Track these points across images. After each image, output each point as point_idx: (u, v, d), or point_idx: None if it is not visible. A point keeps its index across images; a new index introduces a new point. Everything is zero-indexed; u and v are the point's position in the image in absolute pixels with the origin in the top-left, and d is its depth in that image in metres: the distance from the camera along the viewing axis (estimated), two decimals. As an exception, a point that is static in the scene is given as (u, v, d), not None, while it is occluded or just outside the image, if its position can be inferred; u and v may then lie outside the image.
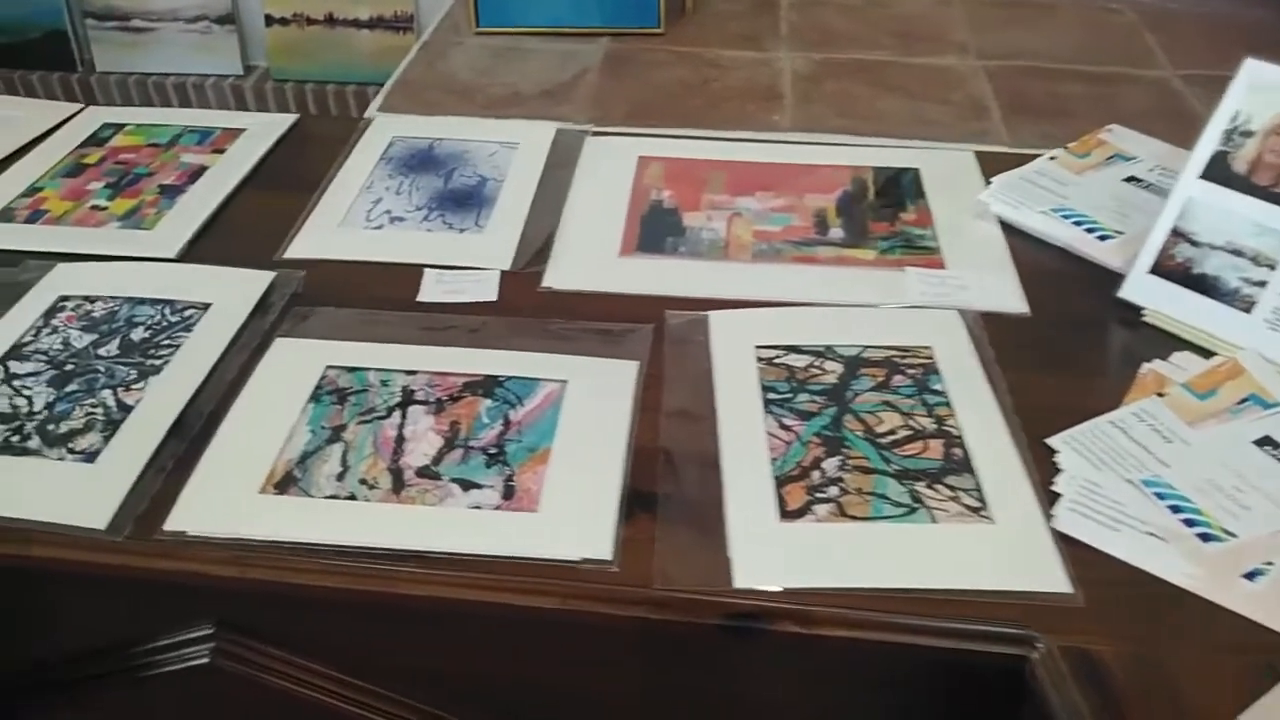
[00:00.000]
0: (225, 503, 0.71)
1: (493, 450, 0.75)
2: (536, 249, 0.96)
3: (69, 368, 0.82)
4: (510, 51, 1.55)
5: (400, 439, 0.76)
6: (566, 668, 0.75)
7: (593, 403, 0.78)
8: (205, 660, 0.77)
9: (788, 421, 0.77)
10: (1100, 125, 1.12)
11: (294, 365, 0.82)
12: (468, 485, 0.72)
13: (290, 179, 1.08)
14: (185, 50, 2.49)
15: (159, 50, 2.49)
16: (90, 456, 0.74)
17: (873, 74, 1.47)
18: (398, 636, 0.75)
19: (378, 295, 0.91)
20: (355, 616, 0.74)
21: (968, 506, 0.71)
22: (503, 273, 0.93)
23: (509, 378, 0.81)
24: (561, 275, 0.93)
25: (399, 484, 0.72)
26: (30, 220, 1.00)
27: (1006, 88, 1.41)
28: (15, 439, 0.76)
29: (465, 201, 1.03)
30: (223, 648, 0.77)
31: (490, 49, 1.56)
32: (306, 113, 2.50)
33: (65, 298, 0.89)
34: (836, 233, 0.99)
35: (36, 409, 0.78)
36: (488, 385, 0.81)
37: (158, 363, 0.82)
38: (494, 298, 0.91)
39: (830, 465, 0.74)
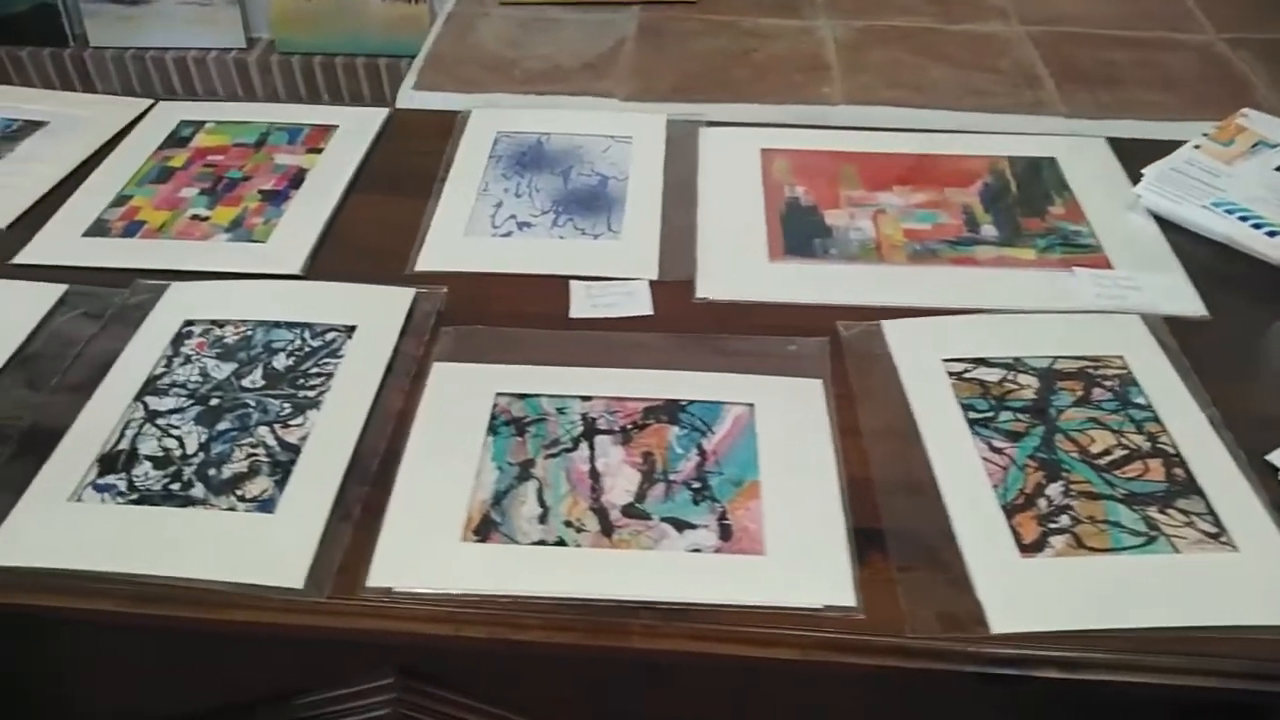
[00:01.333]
0: (427, 554, 0.66)
1: (695, 484, 0.71)
2: (680, 255, 0.91)
3: (214, 402, 0.76)
4: (538, 22, 1.48)
5: (595, 473, 0.71)
6: (793, 718, 0.71)
7: (787, 428, 0.74)
8: (385, 712, 0.73)
9: (998, 443, 0.73)
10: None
11: (461, 394, 0.77)
12: (681, 525, 0.68)
13: (397, 181, 1.01)
14: (184, 23, 2.38)
15: (156, 23, 2.37)
16: (265, 505, 0.69)
17: (916, 41, 1.42)
18: (601, 684, 0.71)
19: (526, 311, 0.85)
20: (550, 663, 0.70)
21: (1205, 533, 0.68)
22: (651, 283, 0.89)
23: (690, 401, 0.76)
24: (714, 284, 0.88)
25: (606, 525, 0.68)
26: (128, 234, 0.93)
27: (1054, 55, 1.37)
28: (176, 486, 0.70)
29: (591, 203, 0.98)
30: (404, 698, 0.73)
31: (517, 20, 1.49)
32: (333, 92, 2.40)
33: (190, 322, 0.83)
34: (989, 230, 0.94)
35: (190, 451, 0.72)
36: (670, 410, 0.76)
37: (311, 393, 0.77)
38: (649, 311, 0.86)
39: (1054, 492, 0.70)
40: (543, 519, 0.68)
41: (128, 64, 2.43)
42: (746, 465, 0.72)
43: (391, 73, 2.45)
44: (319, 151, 1.04)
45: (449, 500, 0.69)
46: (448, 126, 1.09)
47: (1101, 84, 1.31)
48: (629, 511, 0.69)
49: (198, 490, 0.70)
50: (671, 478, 0.71)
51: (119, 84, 2.52)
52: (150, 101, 1.12)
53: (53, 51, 2.39)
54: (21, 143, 1.06)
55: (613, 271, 0.89)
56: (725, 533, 0.67)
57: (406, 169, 1.03)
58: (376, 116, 1.09)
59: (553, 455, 0.72)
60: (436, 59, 1.41)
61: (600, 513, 0.69)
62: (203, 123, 1.08)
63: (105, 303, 0.85)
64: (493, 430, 0.74)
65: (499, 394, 0.77)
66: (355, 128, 1.07)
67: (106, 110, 1.10)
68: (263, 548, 0.66)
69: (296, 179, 1.00)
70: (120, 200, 0.97)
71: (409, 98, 1.31)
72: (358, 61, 2.37)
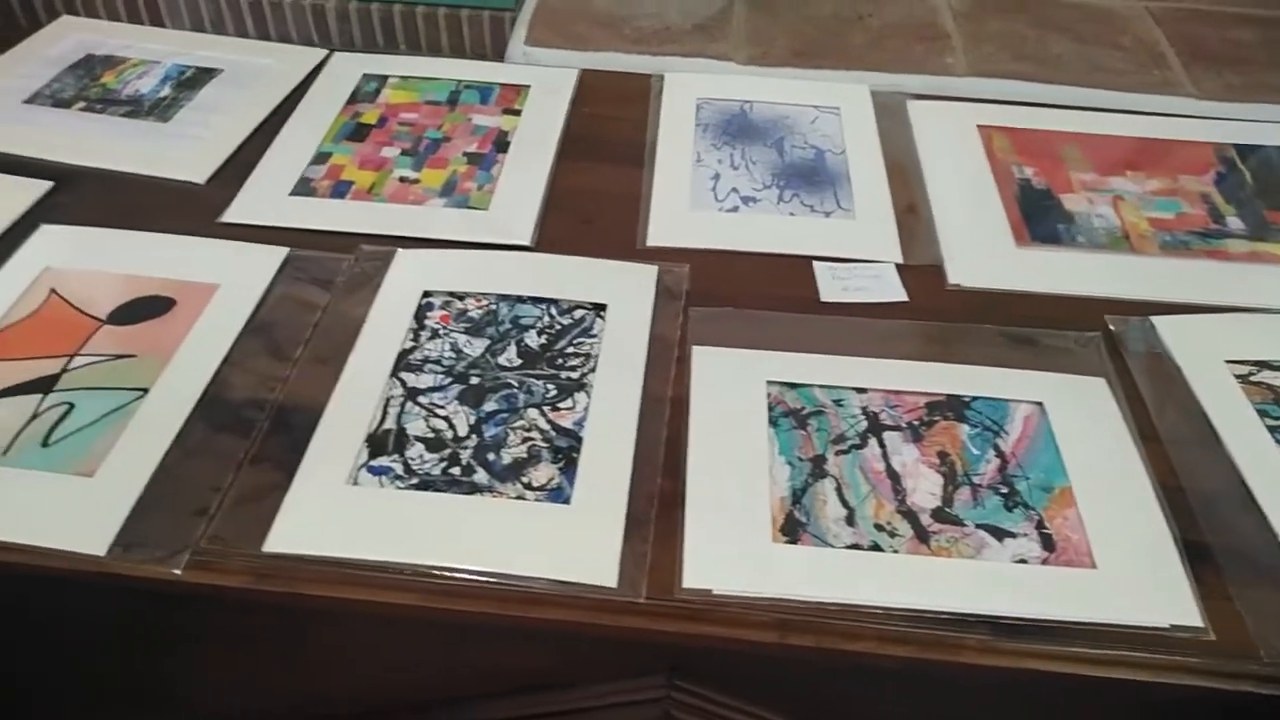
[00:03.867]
0: (741, 555, 0.62)
1: (1003, 489, 0.67)
2: (921, 238, 0.87)
3: (475, 381, 0.72)
4: (646, -22, 1.42)
5: (893, 473, 0.68)
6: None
7: (1084, 430, 0.70)
8: (655, 712, 0.70)
9: (1307, 454, 0.70)
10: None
11: (730, 382, 0.72)
12: (1000, 533, 0.64)
13: (603, 147, 0.96)
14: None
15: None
16: (556, 494, 0.65)
17: (1034, 13, 1.36)
18: (876, 686, 0.68)
19: (772, 293, 0.81)
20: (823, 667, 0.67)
21: None
22: (897, 266, 0.84)
23: (974, 398, 0.73)
24: (965, 270, 0.84)
25: (921, 531, 0.64)
26: (337, 194, 0.88)
27: (1177, 33, 1.31)
28: (456, 471, 0.66)
29: (812, 178, 0.93)
30: (675, 698, 0.70)
31: (624, -26, 1.43)
32: (412, 42, 2.32)
33: (429, 293, 0.79)
34: (1235, 223, 0.90)
35: (462, 433, 0.69)
36: (955, 407, 0.72)
37: (573, 375, 0.73)
38: (903, 297, 0.81)
39: (1378, 507, 0.67)
40: (850, 520, 0.65)
41: (200, 4, 2.35)
42: (1052, 470, 0.68)
43: (473, 25, 2.37)
44: (515, 113, 0.99)
45: (749, 497, 0.65)
46: (641, 90, 1.04)
47: (1229, 64, 1.25)
48: (941, 516, 0.65)
49: (480, 475, 0.66)
50: (975, 480, 0.67)
51: (189, 22, 2.43)
52: (325, 51, 1.07)
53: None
54: (199, 91, 1.00)
55: (854, 253, 0.85)
56: (1047, 542, 0.64)
57: (610, 134, 0.98)
58: (567, 78, 1.04)
59: (843, 452, 0.69)
60: (545, 14, 1.35)
61: (910, 516, 0.65)
62: (386, 77, 1.03)
63: (331, 269, 0.80)
64: (773, 423, 0.70)
65: (769, 382, 0.73)
66: (548, 88, 1.02)
67: (283, 60, 1.05)
68: (566, 542, 0.62)
69: (499, 141, 0.95)
70: (320, 158, 0.92)
71: (521, 53, 1.26)
72: (439, 12, 2.29)
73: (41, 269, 0.79)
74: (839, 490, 0.66)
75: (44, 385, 0.70)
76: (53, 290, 0.78)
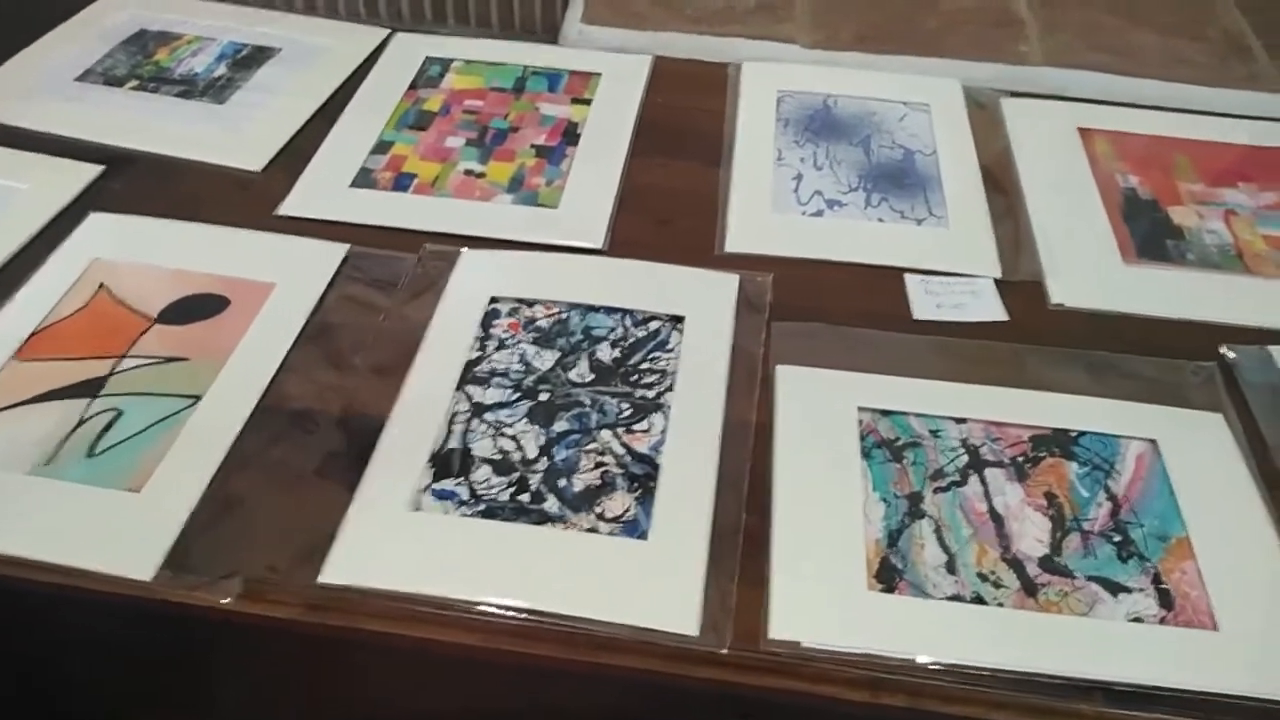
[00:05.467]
0: (832, 604, 0.57)
1: (1115, 537, 0.62)
2: (1020, 250, 0.81)
3: (544, 397, 0.68)
4: (707, -44, 1.35)
5: (996, 515, 0.62)
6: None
7: (1201, 472, 0.64)
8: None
9: None
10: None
11: (818, 406, 0.67)
12: (1113, 587, 0.59)
13: (678, 142, 0.91)
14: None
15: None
16: (631, 527, 0.60)
17: (1113, 0, 1.28)
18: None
19: (861, 308, 0.75)
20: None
21: None
22: (996, 282, 0.79)
23: (1081, 432, 0.67)
24: (1069, 288, 0.77)
25: (1028, 582, 0.59)
26: (399, 187, 0.84)
27: (1264, 23, 1.22)
28: (525, 498, 0.62)
29: (902, 181, 0.87)
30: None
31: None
32: (460, 15, 2.27)
33: (496, 299, 0.74)
34: (1361, 243, 0.84)
35: (531, 455, 0.64)
36: (1061, 442, 0.67)
37: (649, 393, 0.68)
38: (1003, 316, 0.76)
39: None
40: (950, 567, 0.59)
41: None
42: (1168, 517, 0.62)
43: (524, 1, 2.31)
44: (586, 103, 0.93)
45: (841, 538, 0.60)
46: (718, 80, 0.98)
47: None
48: (1048, 566, 0.60)
49: (551, 504, 0.61)
50: (1085, 526, 0.62)
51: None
52: (387, 31, 1.02)
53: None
54: (256, 71, 0.96)
55: (949, 265, 0.79)
56: (1165, 599, 0.58)
57: (685, 128, 0.92)
58: (640, 65, 0.99)
59: (942, 489, 0.64)
60: (602, -10, 1.29)
61: (1015, 565, 0.60)
62: (450, 61, 0.98)
63: (394, 269, 0.76)
64: (865, 454, 0.65)
65: (861, 408, 0.68)
66: (619, 76, 0.97)
67: (342, 39, 1.00)
68: (643, 583, 0.57)
69: (569, 134, 0.90)
70: (381, 147, 0.88)
71: (576, 31, 1.20)
72: (487, -11, 2.23)
73: (90, 261, 0.76)
74: (938, 533, 0.61)
75: (91, 389, 0.67)
76: (101, 284, 0.74)
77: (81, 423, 0.65)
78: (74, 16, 1.04)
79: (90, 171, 0.84)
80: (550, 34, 1.40)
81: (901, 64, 1.11)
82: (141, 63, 0.97)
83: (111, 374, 0.68)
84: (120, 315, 0.72)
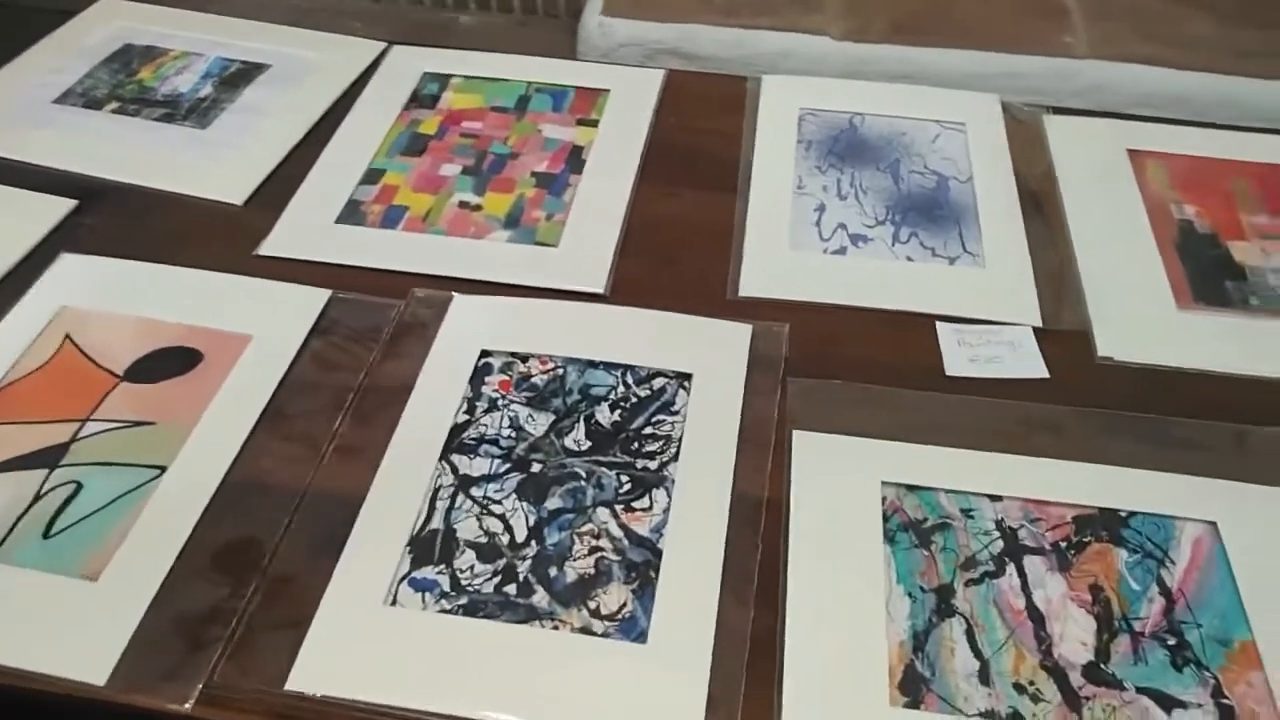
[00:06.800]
0: (849, 721, 0.52)
1: (1170, 639, 0.55)
2: (1063, 294, 0.73)
3: (535, 468, 0.62)
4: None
5: (1035, 612, 0.56)
6: None
7: (1271, 562, 0.58)
8: None
9: None
10: None
11: (837, 480, 0.61)
12: (1166, 702, 0.53)
13: (690, 168, 0.84)
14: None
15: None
16: (629, 627, 0.54)
17: None
18: None
19: (885, 361, 0.69)
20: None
21: None
22: (1035, 331, 0.72)
23: (1131, 513, 0.60)
24: (1118, 340, 0.70)
25: (1070, 695, 0.53)
26: (389, 223, 0.78)
27: None
28: (511, 590, 0.56)
29: (933, 213, 0.80)
30: None
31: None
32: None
33: (488, 353, 0.69)
34: None
35: (520, 538, 0.59)
36: (1109, 524, 0.60)
37: (651, 464, 0.62)
38: (1044, 373, 0.69)
39: None
40: (983, 677, 0.53)
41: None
42: (1231, 617, 0.56)
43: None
44: (592, 124, 0.87)
45: (860, 640, 0.54)
46: (736, 96, 0.91)
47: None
48: (1093, 675, 0.53)
49: (539, 597, 0.56)
50: (1135, 626, 0.56)
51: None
52: (384, 45, 0.96)
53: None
54: (243, 90, 0.90)
55: (985, 312, 0.72)
56: (1227, 716, 0.52)
57: (698, 152, 0.86)
58: (652, 80, 0.92)
59: (974, 581, 0.57)
60: (627, -21, 1.22)
61: (1056, 674, 0.54)
62: (448, 77, 0.92)
63: (379, 316, 0.70)
64: (889, 538, 0.59)
65: (885, 483, 0.62)
66: (629, 93, 0.90)
67: (336, 53, 0.94)
68: (640, 696, 0.52)
69: (573, 160, 0.84)
70: (371, 176, 0.82)
71: (597, 24, 1.13)
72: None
73: (58, 309, 0.70)
74: (970, 634, 0.55)
75: (50, 458, 0.62)
76: (68, 336, 0.69)
77: (38, 498, 0.60)
78: (60, 29, 0.99)
79: (63, 206, 0.78)
80: (573, 18, 1.33)
81: (937, 57, 1.04)
82: (124, 82, 0.91)
83: (73, 440, 0.63)
84: (86, 372, 0.67)
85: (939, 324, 0.72)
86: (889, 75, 1.02)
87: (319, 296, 0.71)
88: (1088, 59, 1.06)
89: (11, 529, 0.58)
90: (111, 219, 0.79)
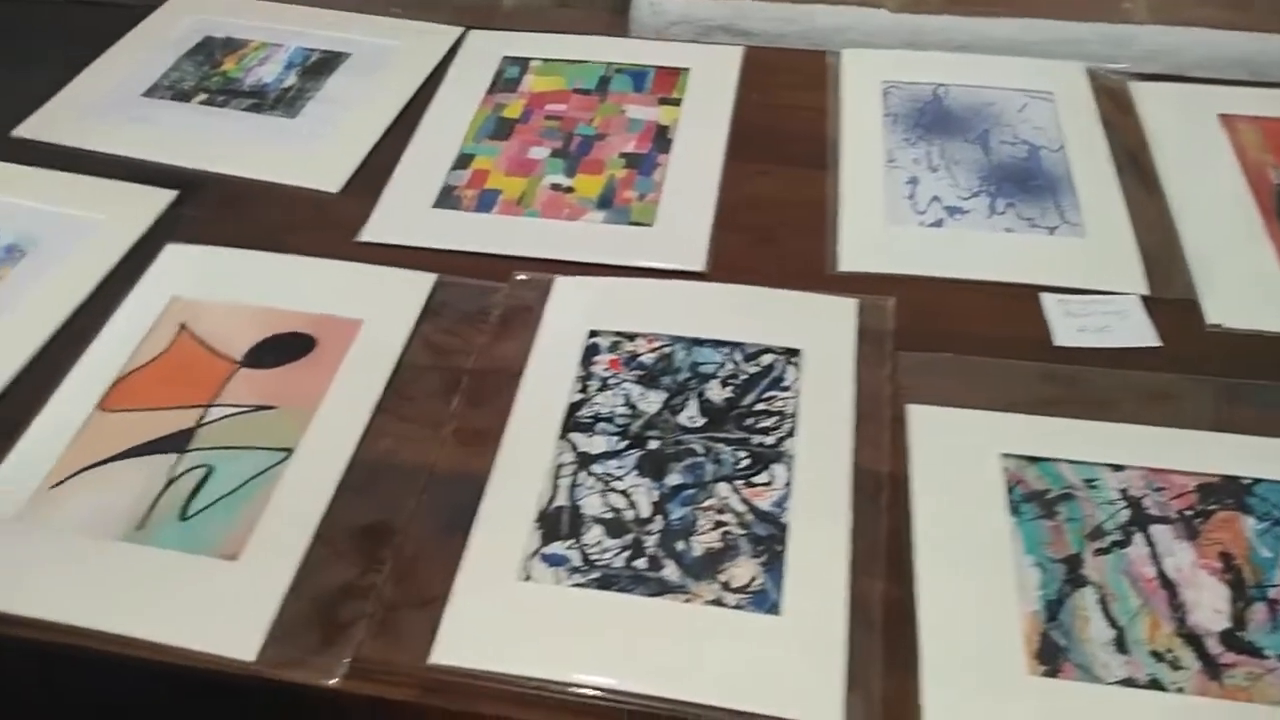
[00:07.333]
0: (990, 691, 0.51)
1: (1306, 605, 0.55)
2: (1168, 263, 0.73)
3: (653, 445, 0.62)
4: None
5: (1166, 581, 0.56)
6: None
7: (1401, 526, 0.58)
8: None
9: None
10: None
11: (956, 453, 0.61)
12: (1311, 669, 0.53)
13: (778, 144, 0.84)
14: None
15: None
16: (761, 600, 0.55)
17: None
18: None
19: (993, 334, 0.69)
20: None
21: None
22: (1143, 299, 0.71)
23: (1256, 480, 0.60)
24: (1226, 306, 0.70)
25: (1210, 663, 0.53)
26: (484, 206, 0.79)
27: None
28: (642, 564, 0.57)
29: (1028, 183, 0.80)
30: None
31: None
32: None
33: (596, 332, 0.69)
34: None
35: (645, 514, 0.59)
36: (1234, 492, 0.60)
37: (768, 440, 0.62)
38: (1155, 341, 0.69)
39: None
40: (1120, 644, 0.53)
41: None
42: (1367, 581, 0.56)
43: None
44: (675, 103, 0.87)
45: (993, 611, 0.54)
46: (817, 71, 0.91)
47: None
48: (1231, 643, 0.53)
49: (670, 571, 0.56)
50: (1270, 594, 0.56)
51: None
52: (461, 29, 0.96)
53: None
54: (327, 80, 0.91)
55: (1090, 281, 0.72)
56: (1371, 682, 0.52)
57: (784, 129, 0.86)
58: (731, 57, 0.92)
59: (1103, 550, 0.57)
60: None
61: (1194, 641, 0.54)
62: (528, 60, 0.93)
63: (484, 300, 0.71)
64: (1014, 509, 0.59)
65: (1005, 455, 0.62)
66: (708, 71, 0.90)
67: (414, 40, 0.95)
68: (778, 665, 0.52)
69: (660, 139, 0.84)
70: (462, 161, 0.82)
71: (649, 3, 1.12)
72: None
73: (170, 299, 0.72)
74: (1103, 603, 0.55)
75: (178, 443, 0.63)
76: (183, 325, 0.70)
77: (171, 482, 0.61)
78: (139, 25, 1.00)
79: (164, 198, 0.80)
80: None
81: (994, 26, 1.02)
82: (209, 74, 0.92)
83: (199, 425, 0.64)
84: (204, 359, 0.68)
85: (1043, 295, 0.71)
86: (947, 46, 1.00)
87: (425, 281, 0.72)
88: (1146, 24, 1.05)
89: (149, 513, 0.60)
90: (212, 209, 0.80)
